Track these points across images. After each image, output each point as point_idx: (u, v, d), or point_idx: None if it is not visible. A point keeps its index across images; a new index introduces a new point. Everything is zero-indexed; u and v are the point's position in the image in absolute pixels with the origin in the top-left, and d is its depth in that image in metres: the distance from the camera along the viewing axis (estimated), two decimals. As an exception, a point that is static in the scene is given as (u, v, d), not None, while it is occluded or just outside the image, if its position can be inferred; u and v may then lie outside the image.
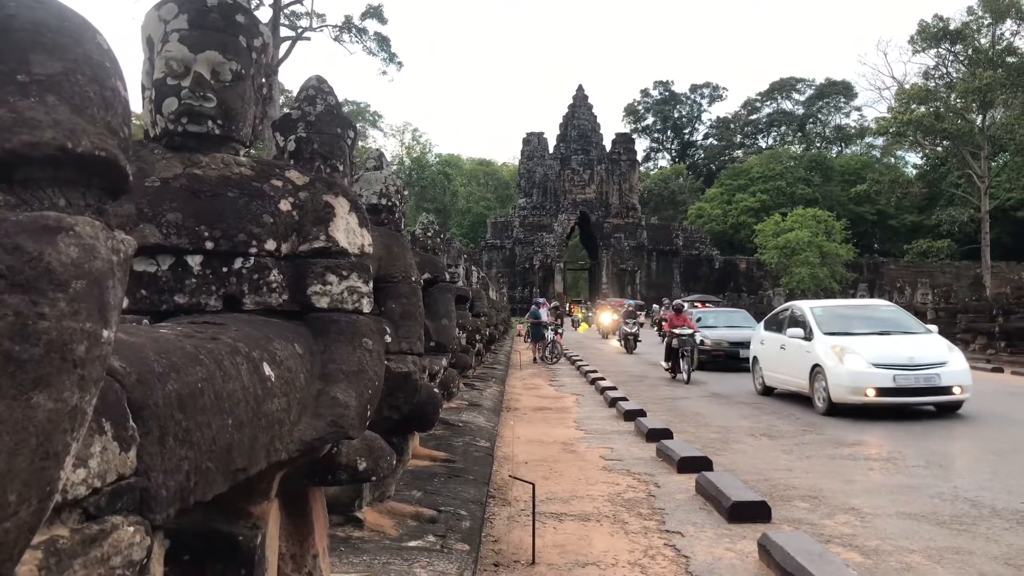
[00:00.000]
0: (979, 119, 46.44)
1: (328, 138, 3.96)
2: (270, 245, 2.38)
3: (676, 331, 15.34)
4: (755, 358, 13.40)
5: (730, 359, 17.62)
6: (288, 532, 2.60)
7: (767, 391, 12.81)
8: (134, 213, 2.30)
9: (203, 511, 2.04)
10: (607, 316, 34.16)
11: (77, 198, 0.96)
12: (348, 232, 2.48)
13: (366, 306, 2.43)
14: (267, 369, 1.86)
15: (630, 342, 24.29)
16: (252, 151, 2.77)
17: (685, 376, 14.94)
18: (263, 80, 2.76)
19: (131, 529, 1.17)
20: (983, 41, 48.40)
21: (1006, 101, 45.21)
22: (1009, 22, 48.03)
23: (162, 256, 2.32)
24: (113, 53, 1.06)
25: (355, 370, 2.25)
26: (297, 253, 2.42)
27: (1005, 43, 47.95)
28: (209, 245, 2.32)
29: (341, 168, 3.95)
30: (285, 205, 2.46)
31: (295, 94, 4.51)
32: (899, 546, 4.68)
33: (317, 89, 4.21)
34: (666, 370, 15.85)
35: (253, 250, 2.36)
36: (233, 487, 1.76)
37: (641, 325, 28.62)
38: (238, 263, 2.35)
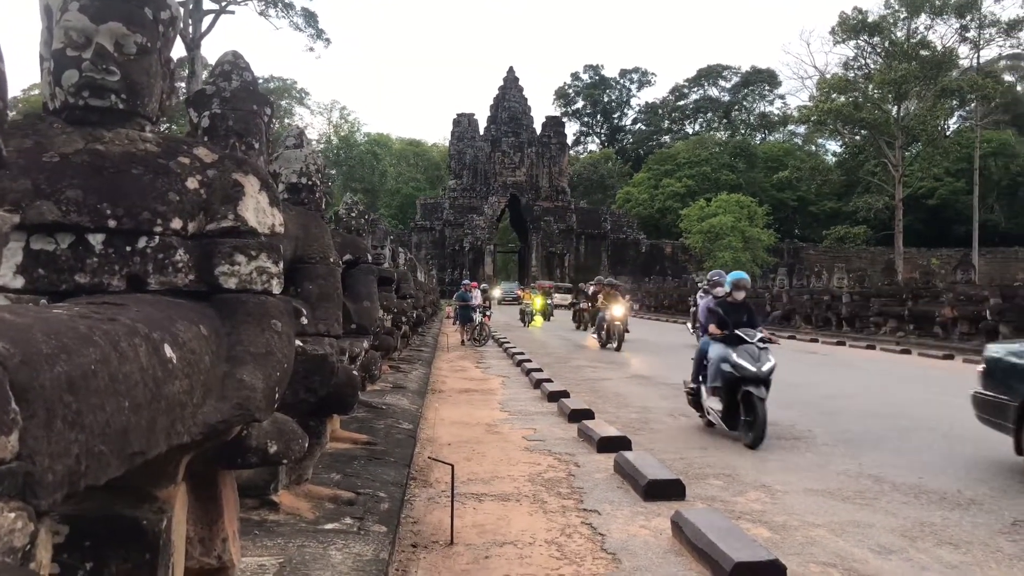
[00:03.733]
0: (894, 110, 48.11)
1: (243, 115, 3.86)
2: (176, 224, 2.32)
3: None
4: None
5: None
6: (197, 516, 2.56)
7: None
8: (31, 189, 2.22)
9: (106, 496, 2.00)
10: (619, 309, 19.74)
11: (-56, 173, 0.92)
12: (258, 211, 2.44)
13: (276, 287, 2.40)
14: (168, 351, 1.83)
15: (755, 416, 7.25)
16: (174, 127, 2.70)
17: None
18: (171, 55, 2.68)
19: (12, 515, 1.14)
20: (899, 34, 50.10)
21: (919, 93, 46.95)
22: (923, 16, 49.83)
23: (61, 234, 2.24)
24: (-12, 23, 1.02)
25: (263, 352, 2.22)
26: (205, 232, 2.37)
27: (919, 37, 49.76)
28: (112, 223, 2.25)
29: (257, 146, 3.87)
30: (192, 183, 2.40)
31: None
32: (805, 521, 4.87)
33: (233, 64, 4.11)
34: None
35: (158, 229, 2.30)
36: (136, 471, 1.72)
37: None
38: (142, 242, 2.29)
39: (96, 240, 2.25)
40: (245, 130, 3.81)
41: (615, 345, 18.78)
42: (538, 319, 29.35)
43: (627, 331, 19.86)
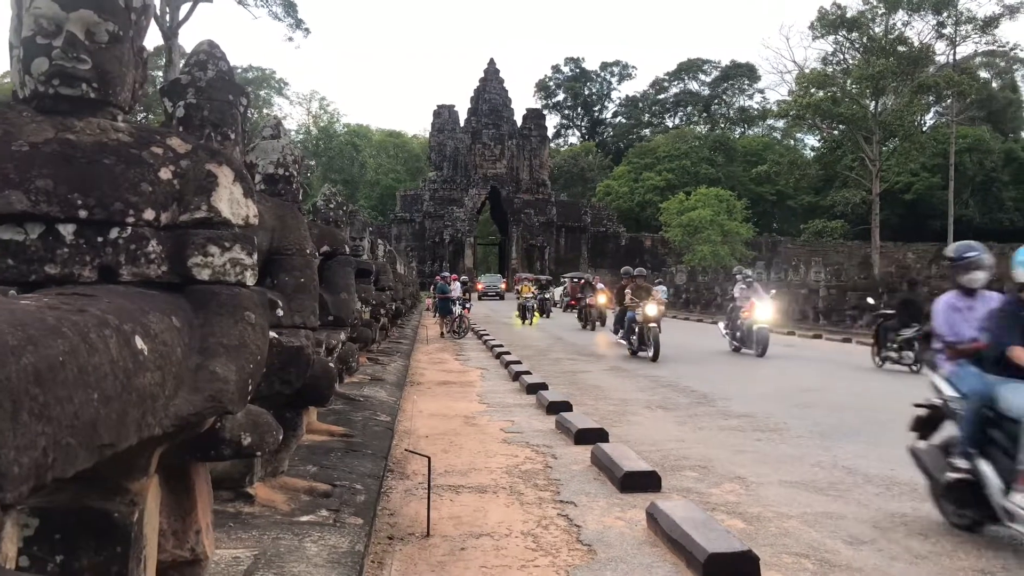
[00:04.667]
0: (872, 105, 48.46)
1: (219, 105, 3.83)
2: (149, 215, 2.30)
3: None
4: None
5: None
6: (170, 508, 2.55)
7: None
8: (-1, 178, 2.19)
9: (77, 488, 1.99)
10: (653, 308, 15.17)
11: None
12: (232, 202, 2.43)
13: (249, 278, 2.39)
14: (139, 342, 1.81)
15: None
16: (151, 117, 2.67)
17: None
18: (144, 44, 2.66)
19: (-24, 507, 1.13)
20: (877, 30, 50.50)
21: (896, 89, 47.33)
22: (901, 12, 50.28)
23: (31, 224, 2.21)
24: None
25: (236, 344, 2.21)
26: (178, 223, 2.35)
27: (897, 33, 50.19)
28: (83, 214, 2.23)
29: (233, 136, 3.84)
30: (165, 173, 2.38)
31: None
32: (779, 512, 4.92)
33: (208, 54, 4.07)
34: None
35: (130, 219, 2.28)
36: (106, 463, 1.71)
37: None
38: (114, 233, 2.27)
39: (67, 230, 2.23)
40: (220, 120, 3.78)
41: (650, 353, 14.51)
42: (536, 316, 26.99)
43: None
